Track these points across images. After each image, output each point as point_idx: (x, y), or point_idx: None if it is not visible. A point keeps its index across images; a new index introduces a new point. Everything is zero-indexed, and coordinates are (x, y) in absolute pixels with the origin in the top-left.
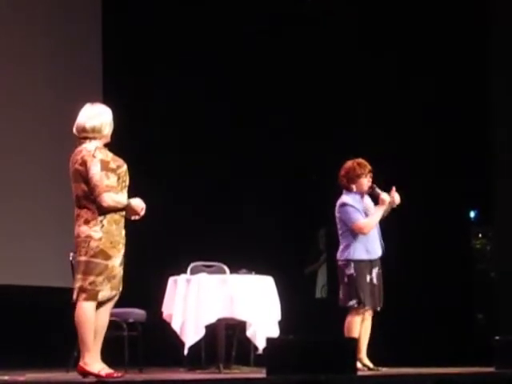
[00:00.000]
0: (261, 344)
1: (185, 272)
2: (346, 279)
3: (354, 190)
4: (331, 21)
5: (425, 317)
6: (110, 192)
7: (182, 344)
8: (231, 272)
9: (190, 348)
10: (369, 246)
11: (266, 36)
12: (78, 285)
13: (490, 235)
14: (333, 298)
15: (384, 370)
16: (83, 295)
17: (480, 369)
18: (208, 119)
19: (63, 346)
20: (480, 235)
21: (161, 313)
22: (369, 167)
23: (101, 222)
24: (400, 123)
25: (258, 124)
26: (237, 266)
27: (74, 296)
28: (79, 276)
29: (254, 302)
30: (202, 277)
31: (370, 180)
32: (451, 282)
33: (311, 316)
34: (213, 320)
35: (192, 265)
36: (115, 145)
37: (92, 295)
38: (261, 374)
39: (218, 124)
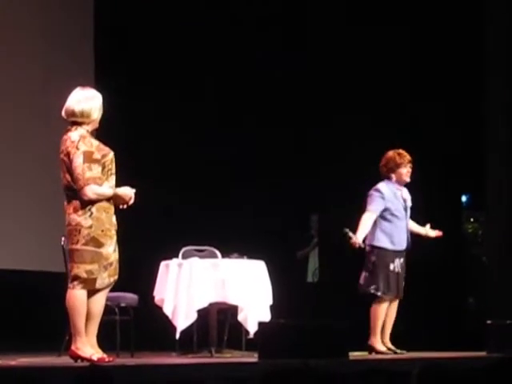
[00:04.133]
0: (252, 328)
1: (176, 256)
2: (369, 265)
3: (394, 179)
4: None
5: (416, 301)
6: (91, 185)
7: (174, 328)
8: (223, 256)
9: (182, 332)
10: (394, 237)
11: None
12: (73, 273)
13: (482, 220)
14: (324, 281)
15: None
16: (79, 283)
17: (471, 353)
18: (200, 103)
19: (54, 330)
20: (472, 220)
21: (153, 297)
22: (408, 157)
23: (89, 210)
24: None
25: (251, 109)
26: (228, 250)
27: (69, 283)
28: (74, 264)
29: (245, 287)
30: (194, 261)
31: (410, 170)
32: (442, 266)
33: (303, 300)
34: (204, 304)
35: (184, 249)
36: (107, 130)
37: (89, 283)
38: (252, 358)
39: (210, 108)
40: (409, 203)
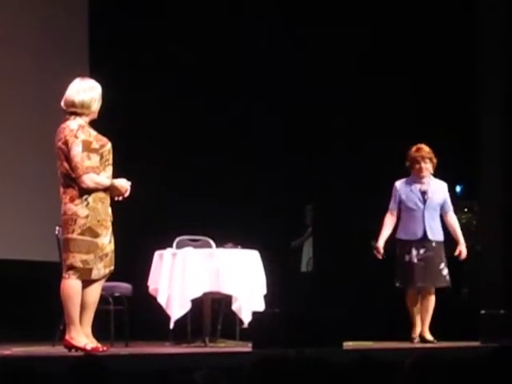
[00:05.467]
0: (246, 318)
1: (171, 246)
2: (395, 258)
3: (412, 174)
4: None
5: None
6: (89, 174)
7: (168, 318)
8: (217, 246)
9: (176, 322)
10: (409, 228)
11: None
12: (68, 262)
13: (476, 210)
14: (318, 271)
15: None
16: (75, 273)
17: (465, 343)
18: (197, 92)
19: (49, 320)
20: (466, 210)
21: (147, 287)
22: (424, 153)
23: (86, 199)
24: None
25: (248, 97)
26: (223, 240)
27: (64, 273)
28: (69, 254)
29: (239, 276)
30: (188, 251)
31: (423, 166)
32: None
33: (297, 290)
34: (199, 294)
35: (178, 239)
36: (102, 118)
37: (84, 273)
38: (246, 347)
39: (206, 97)
40: (430, 195)
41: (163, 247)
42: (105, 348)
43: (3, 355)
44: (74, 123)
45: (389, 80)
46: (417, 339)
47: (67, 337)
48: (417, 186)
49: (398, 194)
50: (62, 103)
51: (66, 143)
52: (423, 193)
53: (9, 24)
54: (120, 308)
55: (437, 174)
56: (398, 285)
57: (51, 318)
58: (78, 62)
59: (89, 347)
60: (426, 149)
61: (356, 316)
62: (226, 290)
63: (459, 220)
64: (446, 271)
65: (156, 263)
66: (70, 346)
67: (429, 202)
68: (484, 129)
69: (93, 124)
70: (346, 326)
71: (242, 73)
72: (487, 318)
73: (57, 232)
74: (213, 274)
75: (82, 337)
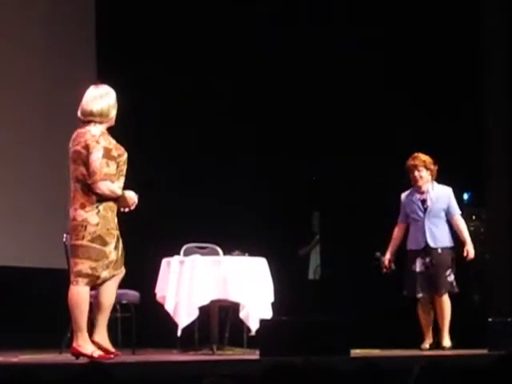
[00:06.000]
0: (254, 325)
1: (178, 254)
2: None
3: (412, 183)
4: None
5: (415, 300)
6: (106, 181)
7: (176, 325)
8: (224, 253)
9: (184, 329)
10: (413, 238)
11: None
12: (76, 268)
13: (484, 217)
14: (325, 279)
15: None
16: (83, 280)
17: (472, 351)
18: (201, 99)
19: (56, 327)
20: (474, 217)
21: (154, 294)
22: (418, 161)
23: (97, 207)
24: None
25: (254, 105)
26: (230, 247)
27: (72, 279)
28: (77, 260)
29: (247, 284)
30: (196, 258)
31: (416, 175)
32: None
33: (304, 297)
34: (206, 301)
35: (185, 246)
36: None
37: (92, 280)
38: (254, 355)
39: (212, 104)
40: (429, 203)
41: (171, 255)
42: (111, 356)
43: (10, 362)
44: (95, 129)
45: (399, 88)
46: (426, 349)
47: (74, 344)
48: (417, 196)
49: (402, 206)
50: (79, 113)
51: (86, 148)
52: (423, 201)
53: (19, 33)
54: (127, 315)
55: (444, 181)
56: (405, 293)
57: (58, 326)
58: (85, 73)
59: (96, 355)
60: (420, 157)
61: (363, 324)
62: (233, 298)
63: (467, 227)
64: (452, 277)
65: (163, 271)
66: (78, 354)
67: (429, 210)
68: (492, 137)
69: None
70: (353, 334)
71: (246, 77)
72: (495, 326)
73: (64, 239)
74: (220, 282)
75: (90, 344)
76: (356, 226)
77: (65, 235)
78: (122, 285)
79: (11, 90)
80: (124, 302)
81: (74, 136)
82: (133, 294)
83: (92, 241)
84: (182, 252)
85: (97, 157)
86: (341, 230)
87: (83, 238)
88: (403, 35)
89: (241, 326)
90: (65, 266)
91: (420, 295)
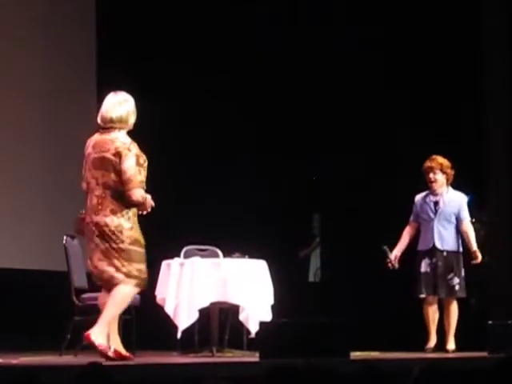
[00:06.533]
0: (254, 328)
1: (178, 256)
2: None
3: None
4: None
5: (417, 301)
6: (140, 188)
7: (176, 328)
8: (224, 256)
9: (184, 332)
10: (422, 239)
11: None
12: (125, 270)
13: (484, 220)
14: (326, 281)
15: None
16: (132, 281)
17: (472, 353)
18: (203, 105)
19: (56, 329)
20: (474, 220)
21: (154, 296)
22: (434, 164)
23: (127, 213)
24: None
25: (254, 105)
26: (230, 249)
27: (121, 280)
28: (123, 262)
29: (247, 286)
30: (196, 260)
31: (431, 177)
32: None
33: (304, 300)
34: (206, 304)
35: (185, 248)
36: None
37: (141, 283)
38: (254, 357)
39: (212, 109)
40: (442, 206)
41: (171, 257)
42: (128, 356)
43: (10, 364)
44: (123, 136)
45: (399, 88)
46: (430, 350)
47: (90, 331)
48: (431, 198)
49: (415, 206)
50: (99, 119)
51: (117, 155)
52: (435, 203)
53: (16, 36)
54: (127, 318)
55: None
56: (416, 294)
57: (58, 328)
58: (85, 73)
59: (103, 347)
60: (437, 159)
61: (363, 326)
62: (233, 300)
63: None
64: (455, 281)
65: (163, 273)
66: (89, 341)
67: (439, 212)
68: (492, 138)
69: None
70: (353, 336)
71: (244, 76)
72: (495, 329)
73: (64, 241)
74: (220, 284)
75: (105, 340)
76: (356, 228)
77: (65, 237)
78: None
79: (11, 90)
80: None
81: (93, 142)
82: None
83: (132, 244)
84: (182, 254)
85: (130, 165)
86: (341, 232)
87: (123, 241)
88: (403, 35)
89: (241, 328)
90: (65, 268)
91: (422, 296)
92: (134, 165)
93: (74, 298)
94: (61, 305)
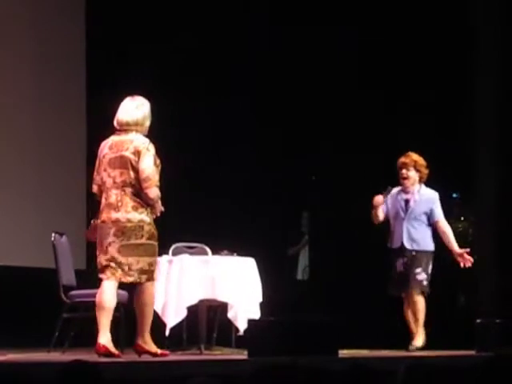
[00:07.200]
0: (242, 325)
1: (167, 253)
2: None
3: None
4: None
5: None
6: (157, 188)
7: (164, 325)
8: (213, 253)
9: (172, 329)
10: (393, 237)
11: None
12: (139, 266)
13: (472, 218)
14: (314, 279)
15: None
16: (145, 276)
17: (459, 352)
18: (190, 103)
19: (44, 326)
20: (462, 218)
21: None
22: (408, 160)
23: (146, 209)
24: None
25: (243, 104)
26: (218, 247)
27: (134, 278)
28: (139, 258)
29: (235, 284)
30: (184, 258)
31: (403, 173)
32: (432, 264)
33: (292, 298)
34: (194, 301)
35: (174, 246)
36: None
37: (152, 275)
38: (242, 355)
39: (199, 107)
40: (412, 204)
41: (159, 254)
42: (166, 353)
43: None
44: (141, 137)
45: (390, 89)
46: (415, 347)
47: (140, 342)
48: (402, 195)
49: (388, 200)
50: (115, 123)
51: (136, 154)
52: (406, 202)
53: (6, 26)
54: (116, 315)
55: (433, 182)
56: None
57: (46, 325)
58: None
59: (159, 352)
60: (412, 156)
61: (352, 324)
62: (221, 298)
63: (455, 229)
64: (422, 276)
65: None
66: (143, 351)
67: (410, 211)
68: (479, 138)
69: None
70: (341, 334)
71: (234, 80)
72: (483, 327)
73: (52, 239)
74: (208, 282)
75: (153, 343)
76: (345, 226)
77: (53, 234)
78: None
79: (0, 91)
80: None
81: (110, 143)
82: (121, 294)
83: (149, 238)
84: (170, 251)
85: (148, 164)
86: (330, 230)
87: (142, 237)
88: (402, 36)
89: (229, 325)
90: (52, 265)
91: (394, 293)
92: (152, 165)
93: (63, 296)
94: (49, 302)
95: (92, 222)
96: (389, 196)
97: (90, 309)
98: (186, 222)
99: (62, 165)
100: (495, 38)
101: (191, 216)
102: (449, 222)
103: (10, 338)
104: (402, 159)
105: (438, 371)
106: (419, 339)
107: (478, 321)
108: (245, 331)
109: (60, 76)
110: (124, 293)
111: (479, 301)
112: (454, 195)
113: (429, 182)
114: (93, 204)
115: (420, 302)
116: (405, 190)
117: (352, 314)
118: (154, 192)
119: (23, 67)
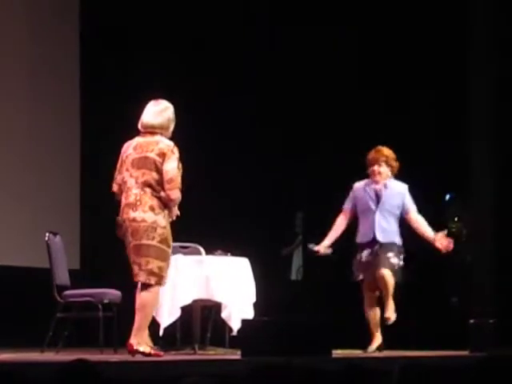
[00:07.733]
0: (236, 325)
1: None
2: None
3: (370, 176)
4: None
5: (398, 299)
6: (179, 190)
7: (158, 325)
8: (207, 253)
9: (166, 329)
10: (361, 231)
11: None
12: (148, 267)
13: (466, 218)
14: (308, 279)
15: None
16: (154, 278)
17: (453, 352)
18: (188, 107)
19: (38, 326)
20: (456, 219)
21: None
22: (379, 155)
23: (163, 211)
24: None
25: (238, 104)
26: (212, 247)
27: (145, 278)
28: (149, 259)
29: (229, 284)
30: (178, 258)
31: (374, 169)
32: (426, 264)
33: (286, 298)
34: (188, 301)
35: None
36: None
37: (161, 280)
38: (236, 355)
39: (197, 111)
40: (384, 198)
41: None
42: (161, 354)
43: None
44: (166, 139)
45: (384, 89)
46: (372, 351)
47: (132, 341)
48: (372, 188)
49: (353, 194)
50: (140, 125)
51: (161, 155)
52: (377, 195)
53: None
54: (109, 315)
55: (427, 181)
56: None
57: (40, 324)
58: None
59: (153, 352)
60: (383, 151)
61: (345, 324)
62: (215, 298)
63: (449, 229)
64: (395, 260)
65: None
66: (135, 352)
67: (382, 203)
68: (475, 139)
69: None
70: (335, 335)
71: (234, 80)
72: (476, 328)
73: (46, 238)
74: (202, 282)
75: (145, 344)
76: None
77: (47, 234)
78: (104, 284)
79: None
80: (106, 301)
81: (135, 144)
82: (115, 294)
83: (161, 242)
84: None
85: (173, 166)
86: (324, 230)
87: (153, 238)
88: (402, 36)
89: (223, 325)
90: (46, 265)
91: (360, 277)
92: (176, 167)
93: (56, 295)
94: (43, 302)
95: (118, 218)
96: (356, 189)
97: (83, 309)
98: (179, 221)
99: (55, 165)
100: (488, 38)
101: (185, 216)
102: (443, 223)
103: (4, 338)
104: (373, 154)
105: (432, 371)
106: (391, 311)
107: (472, 321)
108: (238, 331)
109: (54, 77)
110: (117, 292)
111: (473, 301)
112: (448, 196)
113: (426, 181)
114: (90, 204)
115: (388, 275)
116: (373, 184)
117: (346, 314)
118: (175, 194)
119: (17, 68)
